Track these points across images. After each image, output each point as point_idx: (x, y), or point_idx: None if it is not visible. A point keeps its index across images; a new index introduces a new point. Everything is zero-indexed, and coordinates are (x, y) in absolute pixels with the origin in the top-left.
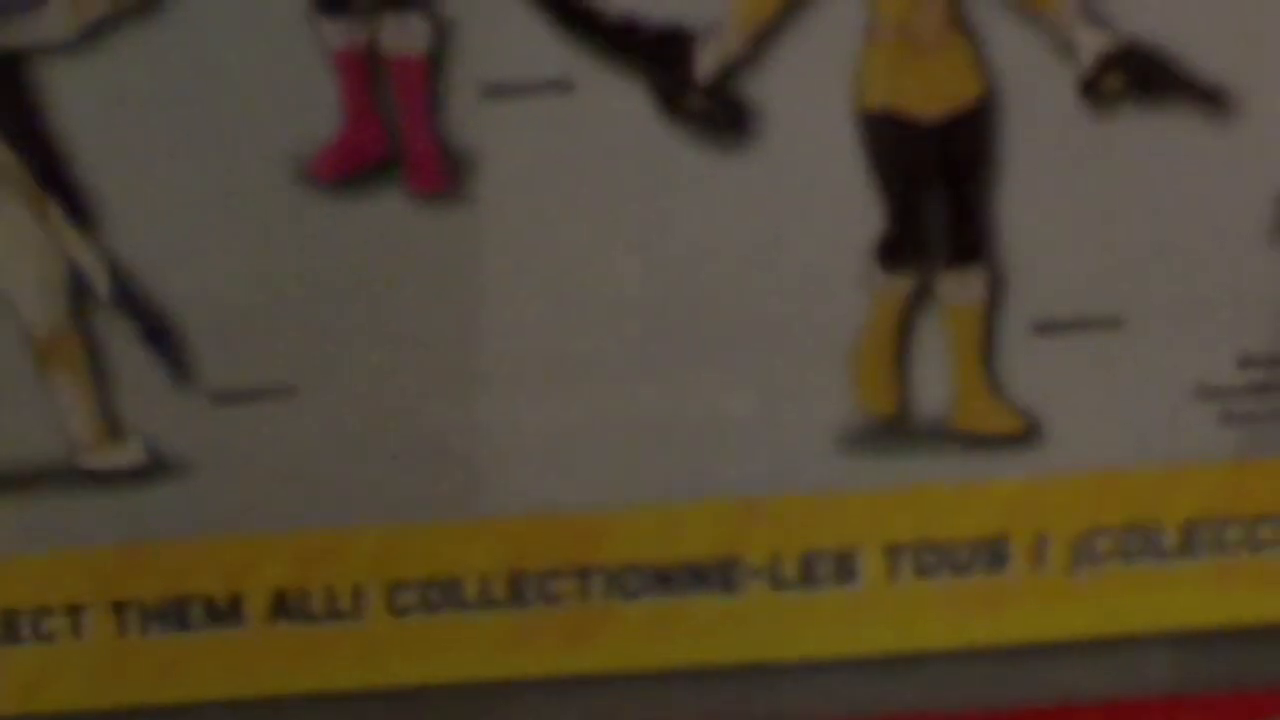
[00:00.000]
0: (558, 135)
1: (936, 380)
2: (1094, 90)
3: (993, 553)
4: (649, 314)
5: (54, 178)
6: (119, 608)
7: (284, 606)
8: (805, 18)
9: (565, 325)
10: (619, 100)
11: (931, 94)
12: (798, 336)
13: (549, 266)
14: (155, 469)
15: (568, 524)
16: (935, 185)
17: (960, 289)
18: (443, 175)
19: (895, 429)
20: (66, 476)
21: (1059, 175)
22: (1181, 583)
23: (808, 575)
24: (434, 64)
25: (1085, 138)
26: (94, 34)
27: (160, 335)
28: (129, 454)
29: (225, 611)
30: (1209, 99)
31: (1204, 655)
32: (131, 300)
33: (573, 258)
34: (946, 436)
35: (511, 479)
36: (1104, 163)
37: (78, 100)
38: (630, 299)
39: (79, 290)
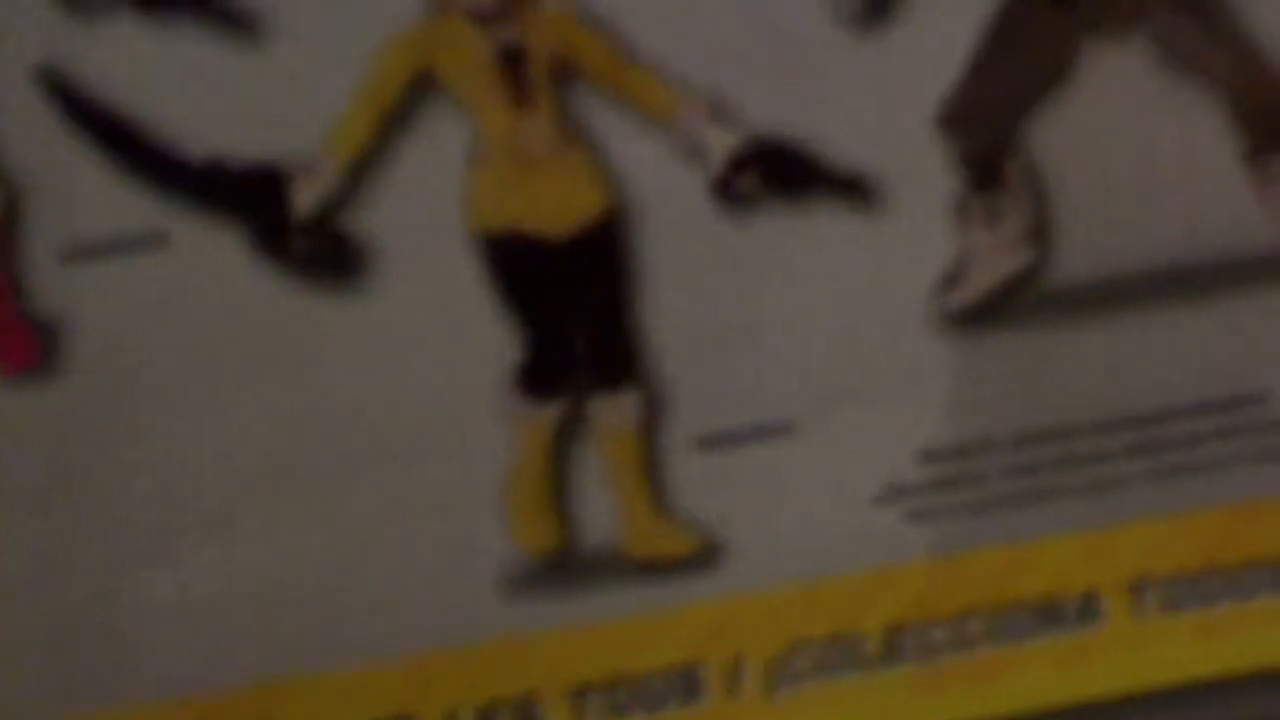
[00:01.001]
0: (156, 292)
1: (602, 509)
2: (729, 192)
3: (686, 683)
4: (280, 470)
5: None
6: None
7: None
8: (406, 145)
9: (192, 489)
10: (219, 249)
11: (554, 211)
12: (444, 480)
13: (162, 431)
14: None
15: (222, 708)
16: (573, 305)
17: (612, 412)
18: (30, 351)
19: (565, 564)
20: None
21: (705, 283)
22: (889, 690)
23: None
24: (8, 233)
25: (726, 241)
26: None
27: None
28: None
29: None
30: (851, 189)
31: None
32: None
33: (187, 419)
34: (622, 566)
35: (150, 656)
36: (750, 265)
37: None
38: (259, 455)
39: None
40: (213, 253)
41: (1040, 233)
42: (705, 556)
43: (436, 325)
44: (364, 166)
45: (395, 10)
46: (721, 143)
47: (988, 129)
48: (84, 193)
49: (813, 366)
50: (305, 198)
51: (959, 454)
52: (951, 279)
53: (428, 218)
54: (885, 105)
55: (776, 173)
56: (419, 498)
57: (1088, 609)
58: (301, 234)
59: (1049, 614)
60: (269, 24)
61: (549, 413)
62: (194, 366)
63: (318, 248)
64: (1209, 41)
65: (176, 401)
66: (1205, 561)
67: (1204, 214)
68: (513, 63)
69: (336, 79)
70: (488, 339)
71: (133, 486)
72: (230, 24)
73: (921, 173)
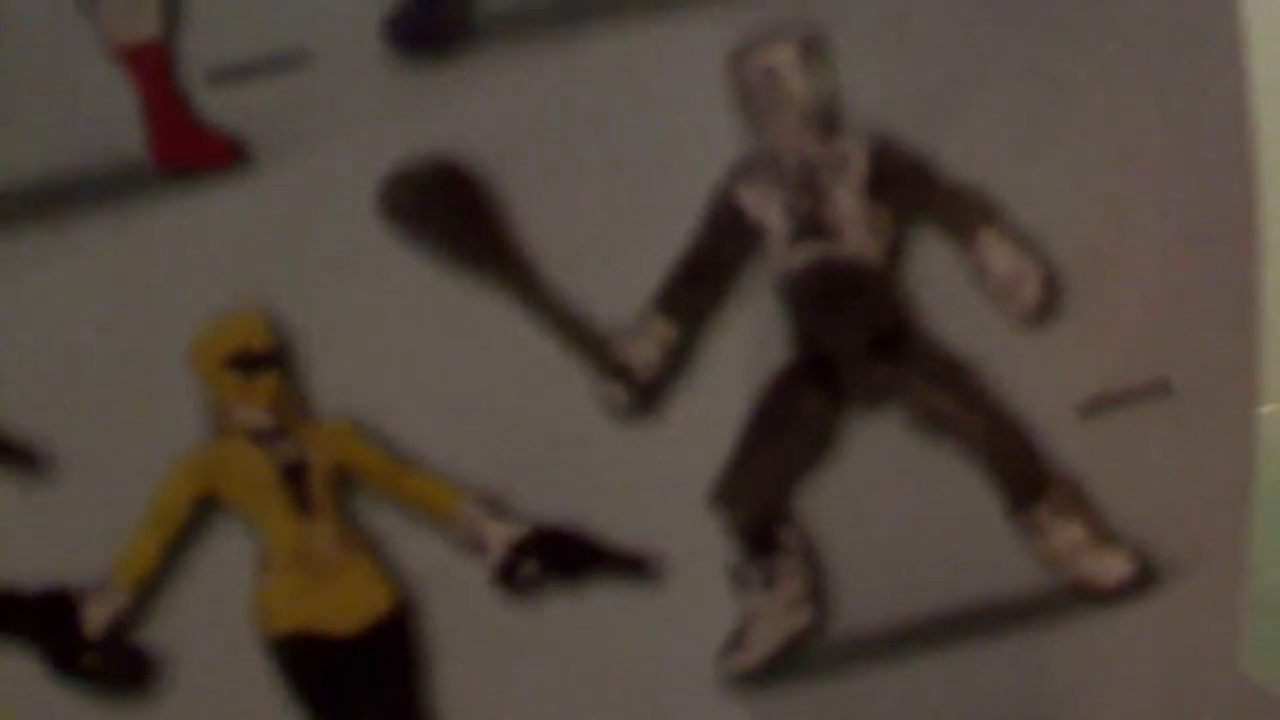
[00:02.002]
0: None
1: None
2: (510, 579)
3: None
4: None
5: None
6: None
7: None
8: (194, 560)
9: None
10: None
11: (343, 609)
12: None
13: None
14: None
15: None
16: (365, 697)
17: None
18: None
19: None
20: None
21: (494, 668)
22: None
23: None
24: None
25: (513, 628)
26: None
27: None
28: None
29: None
30: (630, 568)
31: None
32: None
33: None
34: None
35: None
36: (537, 649)
37: None
38: None
39: None
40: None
41: (817, 593)
42: None
43: None
44: (152, 584)
45: (177, 436)
46: (501, 535)
47: (759, 501)
48: None
49: None
50: (97, 616)
51: None
52: (734, 644)
53: (219, 626)
54: (658, 487)
55: (556, 559)
56: None
57: None
58: (93, 651)
59: None
60: (54, 455)
61: None
62: None
63: (110, 663)
64: (962, 408)
65: None
66: None
67: (971, 562)
68: (295, 477)
69: (124, 504)
70: None
71: None
72: (17, 462)
73: (698, 547)
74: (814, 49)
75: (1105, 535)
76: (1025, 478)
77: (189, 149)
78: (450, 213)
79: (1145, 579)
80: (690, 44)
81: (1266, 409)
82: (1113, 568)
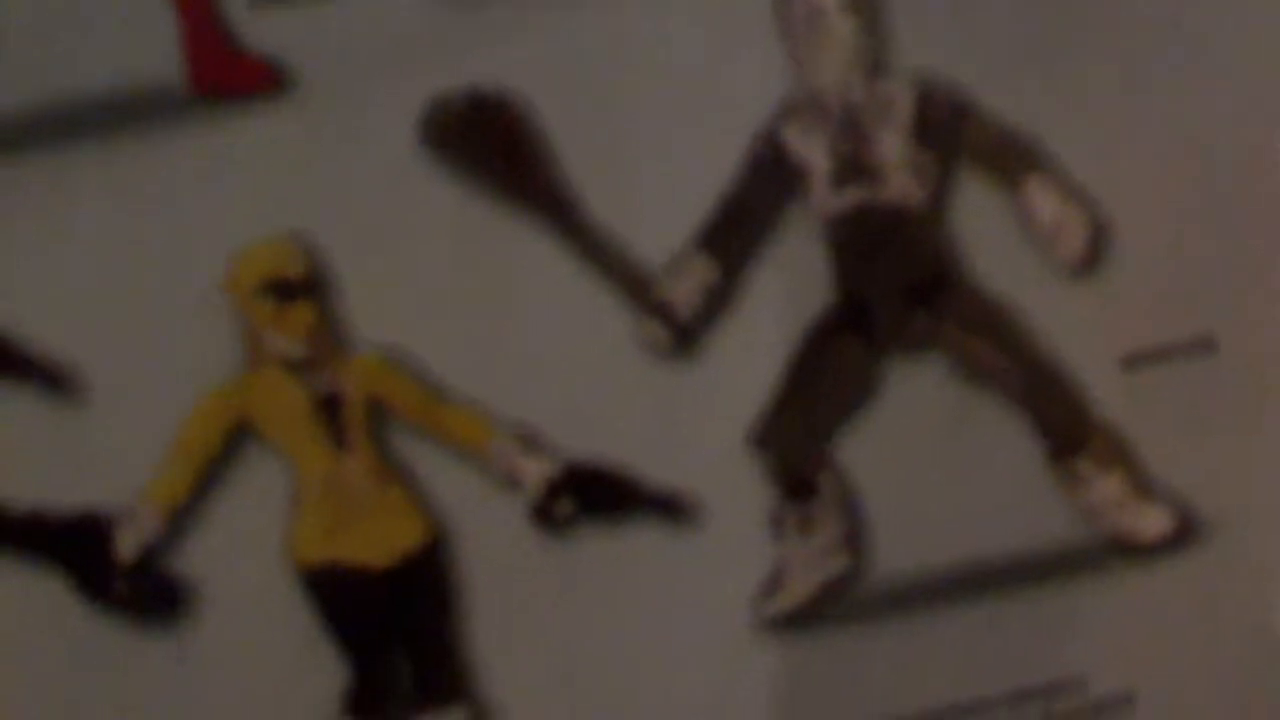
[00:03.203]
0: None
1: None
2: (546, 517)
3: None
4: None
5: None
6: None
7: None
8: (227, 489)
9: None
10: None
11: (375, 543)
12: None
13: None
14: None
15: None
16: (396, 631)
17: None
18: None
19: None
20: None
21: (528, 607)
22: None
23: None
24: None
25: (548, 564)
26: None
27: None
28: None
29: None
30: (667, 509)
31: None
32: None
33: None
34: None
35: None
36: (571, 588)
37: None
38: None
39: None
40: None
41: (853, 539)
42: None
43: (261, 661)
44: (182, 512)
45: (210, 363)
46: (537, 472)
47: (798, 446)
48: None
49: (637, 686)
50: (127, 543)
51: None
52: (770, 588)
53: (251, 556)
54: (697, 428)
55: (592, 497)
56: None
57: None
58: (124, 578)
59: None
60: (85, 380)
61: None
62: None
63: (140, 591)
64: (1002, 358)
65: None
66: None
67: (1008, 514)
68: (329, 408)
69: (156, 431)
70: (311, 668)
71: None
72: (46, 383)
73: (735, 489)
74: None
75: (1146, 489)
76: (1067, 428)
77: (229, 73)
78: (492, 144)
79: (1185, 535)
80: None
81: None
82: (1153, 522)
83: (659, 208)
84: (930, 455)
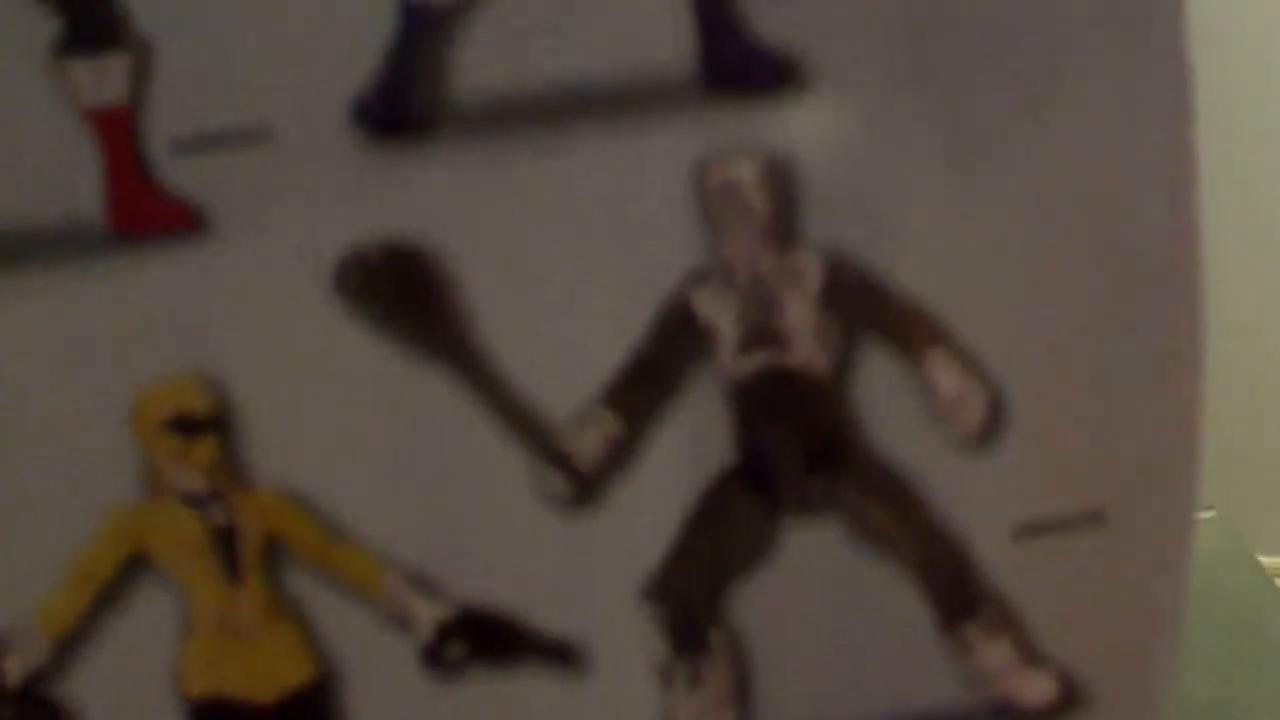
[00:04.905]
0: None
1: None
2: (436, 659)
3: None
4: None
5: None
6: None
7: None
8: (118, 618)
9: None
10: None
11: (262, 678)
12: None
13: None
14: None
15: None
16: None
17: None
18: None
19: None
20: None
21: None
22: None
23: None
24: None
25: (436, 708)
26: None
27: None
28: None
29: None
30: (557, 656)
31: None
32: None
33: None
34: None
35: None
36: None
37: None
38: None
39: None
40: None
41: (743, 695)
42: None
43: None
44: (73, 640)
45: (111, 496)
46: (429, 614)
47: (691, 600)
48: None
49: None
50: (14, 668)
51: None
52: None
53: (137, 687)
54: (592, 579)
55: (484, 641)
56: None
57: None
58: (8, 703)
59: None
60: None
61: None
62: None
63: (25, 717)
64: (897, 526)
65: None
66: None
67: (898, 675)
68: (225, 542)
69: (50, 558)
70: None
71: None
72: None
73: (628, 641)
74: (777, 166)
75: (1033, 656)
76: (957, 595)
77: (149, 213)
78: (402, 295)
79: (1069, 701)
80: (657, 153)
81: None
82: (1037, 688)
83: (567, 364)
84: (822, 615)
